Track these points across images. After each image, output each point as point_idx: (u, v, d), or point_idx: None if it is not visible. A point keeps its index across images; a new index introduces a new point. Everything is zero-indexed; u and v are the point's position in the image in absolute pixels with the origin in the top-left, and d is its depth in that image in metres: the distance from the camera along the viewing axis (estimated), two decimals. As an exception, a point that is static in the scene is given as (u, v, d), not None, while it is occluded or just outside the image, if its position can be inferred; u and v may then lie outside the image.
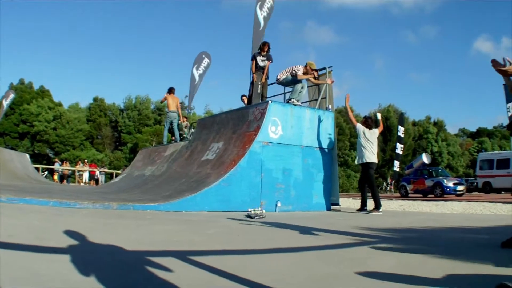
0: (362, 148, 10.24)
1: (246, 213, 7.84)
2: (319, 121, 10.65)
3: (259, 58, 11.87)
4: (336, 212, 10.24)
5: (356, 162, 10.68)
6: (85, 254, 3.42)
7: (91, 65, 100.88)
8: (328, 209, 10.68)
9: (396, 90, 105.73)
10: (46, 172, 32.38)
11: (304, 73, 10.97)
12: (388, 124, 61.98)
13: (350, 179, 58.17)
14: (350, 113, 10.99)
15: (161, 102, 16.98)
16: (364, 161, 10.22)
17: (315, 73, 11.25)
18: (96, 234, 4.48)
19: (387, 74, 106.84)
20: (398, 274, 3.01)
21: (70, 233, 4.28)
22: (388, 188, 46.56)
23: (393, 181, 44.85)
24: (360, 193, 10.86)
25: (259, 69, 11.93)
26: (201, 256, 3.53)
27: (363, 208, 10.38)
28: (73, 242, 3.86)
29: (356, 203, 17.58)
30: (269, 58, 11.99)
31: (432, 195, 26.48)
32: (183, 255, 3.45)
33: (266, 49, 11.90)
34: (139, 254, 3.56)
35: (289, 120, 9.94)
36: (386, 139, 61.62)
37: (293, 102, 10.74)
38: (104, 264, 3.07)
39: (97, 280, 2.53)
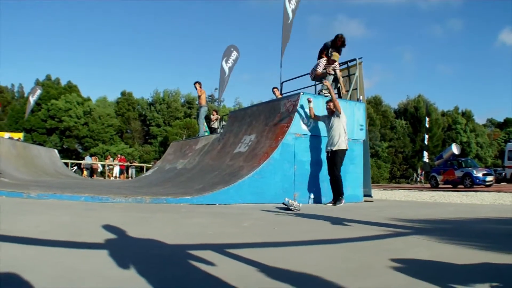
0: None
1: (283, 204, 7.85)
2: (351, 112, 10.54)
3: (330, 50, 11.28)
4: (369, 203, 10.17)
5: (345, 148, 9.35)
6: (121, 249, 3.45)
7: (119, 60, 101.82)
8: (361, 200, 10.61)
9: (425, 81, 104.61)
10: (75, 167, 32.66)
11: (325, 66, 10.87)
12: (417, 115, 61.30)
13: (380, 170, 57.70)
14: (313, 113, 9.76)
15: (200, 96, 16.90)
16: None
17: (334, 65, 11.04)
18: (130, 228, 4.51)
19: (416, 66, 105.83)
20: (434, 265, 3.01)
21: (104, 228, 4.32)
22: (418, 179, 46.06)
23: (423, 172, 44.38)
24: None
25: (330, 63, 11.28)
26: (239, 248, 3.53)
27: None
28: (108, 237, 3.90)
29: (388, 194, 17.49)
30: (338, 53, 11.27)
31: (462, 186, 26.12)
32: (220, 248, 3.45)
33: (339, 44, 11.24)
34: (176, 248, 3.59)
35: (321, 112, 9.83)
36: (416, 130, 60.91)
37: (324, 93, 10.66)
38: (141, 258, 3.08)
39: (135, 275, 2.56)
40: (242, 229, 4.96)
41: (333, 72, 11.03)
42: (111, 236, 3.94)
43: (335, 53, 10.88)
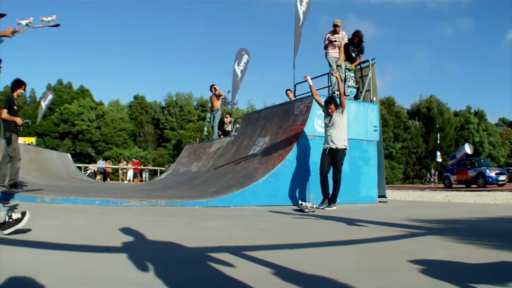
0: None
1: (297, 206, 7.90)
2: (365, 113, 10.55)
3: (350, 48, 11.26)
4: (383, 204, 10.19)
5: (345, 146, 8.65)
6: (138, 252, 3.46)
7: (131, 64, 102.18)
8: (376, 201, 10.61)
9: (437, 81, 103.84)
10: (88, 171, 32.78)
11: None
12: (430, 115, 60.97)
13: (394, 171, 57.44)
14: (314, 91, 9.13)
15: (218, 98, 16.86)
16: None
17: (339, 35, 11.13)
18: (146, 232, 4.53)
19: (428, 65, 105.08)
20: (450, 265, 3.04)
21: (119, 232, 4.37)
22: (432, 179, 45.83)
23: (436, 172, 44.17)
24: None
25: (349, 59, 11.32)
26: (254, 251, 3.57)
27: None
28: (124, 240, 3.93)
29: (402, 195, 17.44)
30: (361, 50, 11.39)
31: (475, 186, 25.97)
32: (236, 251, 3.48)
33: (356, 40, 11.18)
34: (192, 250, 3.62)
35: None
36: (429, 130, 60.59)
37: (337, 95, 10.68)
38: (158, 261, 3.09)
39: (153, 278, 2.58)
40: (257, 232, 5.00)
41: (336, 41, 11.14)
42: (127, 239, 3.98)
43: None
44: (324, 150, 8.57)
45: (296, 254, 3.61)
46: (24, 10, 79.22)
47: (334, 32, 11.16)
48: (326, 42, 11.19)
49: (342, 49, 11.04)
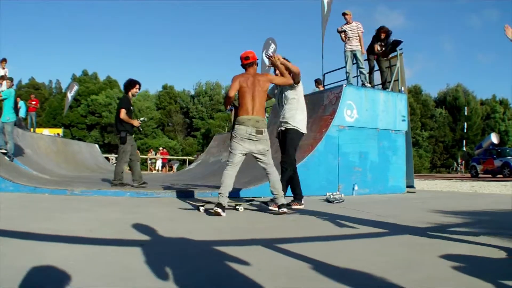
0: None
1: (325, 198, 7.96)
2: (393, 103, 10.59)
3: (378, 43, 11.26)
4: (411, 195, 10.21)
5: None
6: (170, 246, 3.50)
7: (158, 54, 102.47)
8: (404, 191, 10.64)
9: (464, 70, 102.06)
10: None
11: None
12: (456, 104, 60.12)
13: (422, 160, 56.85)
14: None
15: None
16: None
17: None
18: (178, 224, 4.63)
19: (455, 55, 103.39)
20: (477, 259, 3.08)
21: (153, 224, 4.38)
22: (458, 169, 45.36)
23: (463, 161, 43.73)
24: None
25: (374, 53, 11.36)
26: (288, 243, 3.62)
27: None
28: (158, 233, 3.97)
29: (430, 184, 17.33)
30: (393, 46, 11.29)
31: (501, 176, 25.67)
32: (270, 243, 3.55)
33: (383, 36, 11.11)
34: (227, 243, 3.65)
35: (364, 104, 9.95)
36: (456, 119, 59.78)
37: (367, 86, 10.76)
38: (191, 255, 3.14)
39: (186, 272, 2.63)
40: (289, 223, 5.05)
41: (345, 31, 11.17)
42: (161, 232, 4.00)
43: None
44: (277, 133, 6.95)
45: (329, 246, 3.67)
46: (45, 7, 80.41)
47: (346, 22, 11.21)
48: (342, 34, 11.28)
49: (361, 38, 11.09)
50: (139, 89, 9.31)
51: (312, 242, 3.83)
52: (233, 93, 5.85)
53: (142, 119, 9.58)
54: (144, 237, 3.77)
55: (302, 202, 6.67)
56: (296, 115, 6.64)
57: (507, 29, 4.01)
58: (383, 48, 11.16)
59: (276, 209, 5.86)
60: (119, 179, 8.83)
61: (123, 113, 8.70)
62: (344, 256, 3.19)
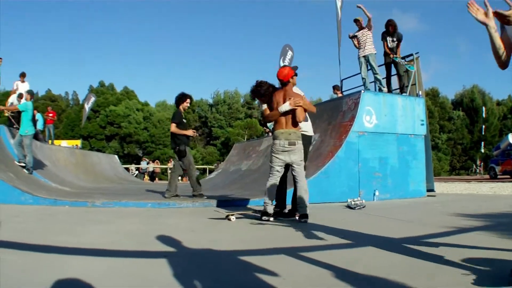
0: None
1: (346, 204, 8.01)
2: (411, 108, 10.62)
3: (389, 39, 11.42)
4: (431, 198, 10.19)
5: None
6: (193, 257, 3.49)
7: (175, 63, 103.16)
8: (424, 195, 10.63)
9: (479, 71, 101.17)
10: (136, 172, 33.00)
11: None
12: (473, 105, 59.67)
13: (441, 163, 56.44)
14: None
15: None
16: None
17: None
18: (202, 234, 4.66)
19: (470, 56, 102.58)
20: (500, 264, 3.04)
21: (175, 235, 4.37)
22: (477, 170, 44.95)
23: (482, 163, 43.37)
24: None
25: (391, 50, 11.44)
26: (310, 252, 3.63)
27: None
28: (181, 244, 3.96)
29: (449, 187, 17.23)
30: (398, 38, 11.41)
31: (520, 176, 25.45)
32: (292, 252, 3.57)
33: (392, 30, 11.32)
34: (248, 253, 3.64)
35: (383, 109, 10.01)
36: (473, 121, 59.30)
37: (382, 90, 10.86)
38: (215, 265, 3.18)
39: (212, 283, 2.67)
40: (310, 232, 4.96)
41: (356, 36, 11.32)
42: (183, 243, 3.99)
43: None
44: None
45: (349, 253, 3.68)
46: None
47: (359, 29, 11.34)
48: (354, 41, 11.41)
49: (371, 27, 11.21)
50: (190, 102, 9.39)
51: (333, 250, 3.86)
52: (273, 110, 6.00)
53: (196, 132, 9.55)
54: (167, 249, 3.80)
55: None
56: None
57: (472, 6, 2.92)
58: (396, 42, 11.27)
59: (296, 218, 6.11)
60: (197, 189, 8.91)
61: (173, 127, 8.79)
62: (369, 263, 3.20)
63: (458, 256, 3.23)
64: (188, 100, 9.21)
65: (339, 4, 14.04)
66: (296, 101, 5.84)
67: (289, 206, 6.50)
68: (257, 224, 5.60)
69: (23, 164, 10.80)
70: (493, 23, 2.82)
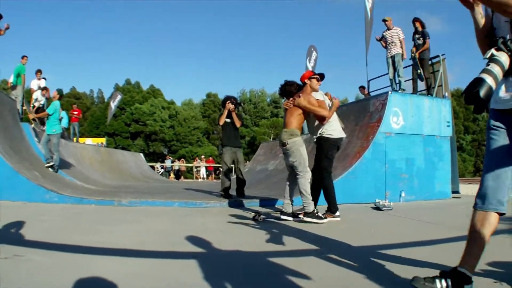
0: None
1: (374, 205, 8.11)
2: (437, 109, 10.68)
3: (416, 37, 11.48)
4: (457, 200, 10.21)
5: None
6: (221, 258, 3.52)
7: (201, 61, 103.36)
8: (449, 197, 10.64)
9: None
10: (162, 170, 32.90)
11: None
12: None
13: (465, 164, 55.74)
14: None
15: None
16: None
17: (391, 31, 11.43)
18: (229, 235, 4.67)
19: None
20: None
21: (203, 236, 4.37)
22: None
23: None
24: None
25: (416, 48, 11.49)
26: (341, 253, 3.62)
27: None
28: (209, 245, 3.96)
29: (474, 189, 17.00)
30: (424, 36, 11.42)
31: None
32: (321, 253, 3.61)
33: (419, 27, 11.37)
34: (278, 254, 3.65)
35: (409, 110, 10.07)
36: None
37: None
38: (245, 267, 3.19)
39: (242, 285, 2.68)
40: (338, 232, 5.03)
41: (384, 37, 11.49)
42: (213, 244, 3.98)
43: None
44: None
45: (381, 255, 3.63)
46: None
47: (387, 28, 11.47)
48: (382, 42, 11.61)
49: (403, 44, 11.31)
50: (234, 104, 9.29)
51: (363, 251, 3.88)
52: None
53: None
54: (196, 249, 3.79)
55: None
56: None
57: None
58: (422, 40, 11.32)
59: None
60: (224, 188, 8.98)
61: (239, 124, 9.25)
62: (395, 264, 3.23)
63: (486, 259, 3.13)
64: (229, 102, 9.13)
65: (369, 5, 14.08)
66: (287, 102, 6.16)
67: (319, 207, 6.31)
68: (284, 225, 5.62)
69: (51, 164, 10.87)
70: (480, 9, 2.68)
